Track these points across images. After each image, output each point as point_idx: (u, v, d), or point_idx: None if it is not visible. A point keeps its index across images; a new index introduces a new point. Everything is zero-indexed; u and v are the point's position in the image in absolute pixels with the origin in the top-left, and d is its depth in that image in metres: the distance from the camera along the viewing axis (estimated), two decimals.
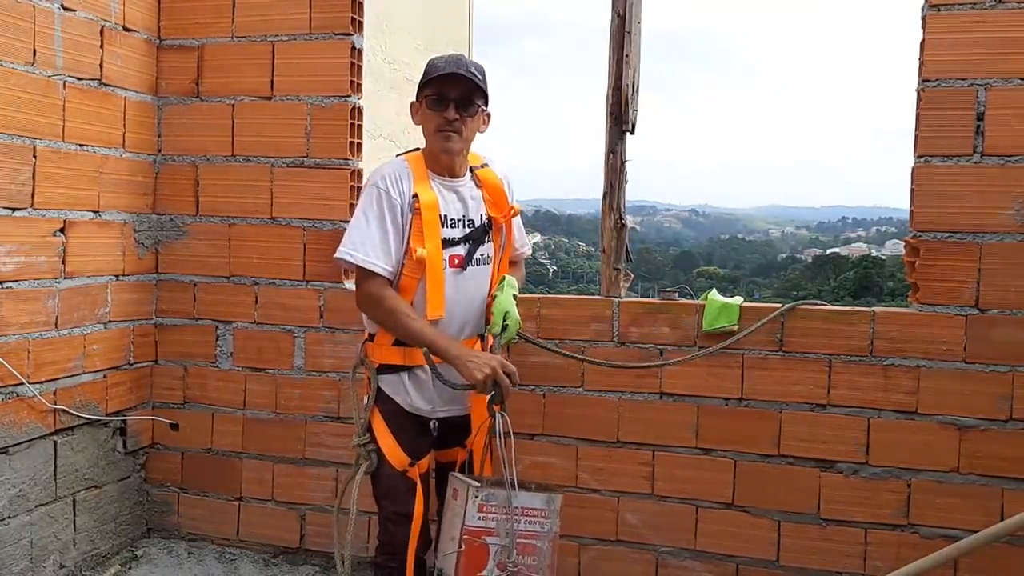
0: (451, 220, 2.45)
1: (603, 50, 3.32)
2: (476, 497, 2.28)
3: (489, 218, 2.53)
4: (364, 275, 2.41)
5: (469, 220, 2.49)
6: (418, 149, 2.55)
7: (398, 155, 2.55)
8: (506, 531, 2.28)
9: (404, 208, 2.39)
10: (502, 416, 2.35)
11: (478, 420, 2.49)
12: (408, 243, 2.38)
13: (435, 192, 2.44)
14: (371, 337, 2.50)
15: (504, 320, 2.45)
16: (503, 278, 2.58)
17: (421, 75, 2.47)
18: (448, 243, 2.42)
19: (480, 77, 2.42)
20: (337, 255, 2.41)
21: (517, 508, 2.30)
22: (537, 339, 2.99)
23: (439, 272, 2.39)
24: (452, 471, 2.59)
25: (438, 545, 2.44)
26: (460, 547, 2.29)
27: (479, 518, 2.29)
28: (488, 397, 2.36)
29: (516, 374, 2.33)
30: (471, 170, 2.56)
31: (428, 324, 2.37)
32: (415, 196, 2.39)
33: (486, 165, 2.61)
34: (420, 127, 2.52)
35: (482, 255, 2.51)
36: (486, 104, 2.49)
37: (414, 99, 2.52)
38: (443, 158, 2.45)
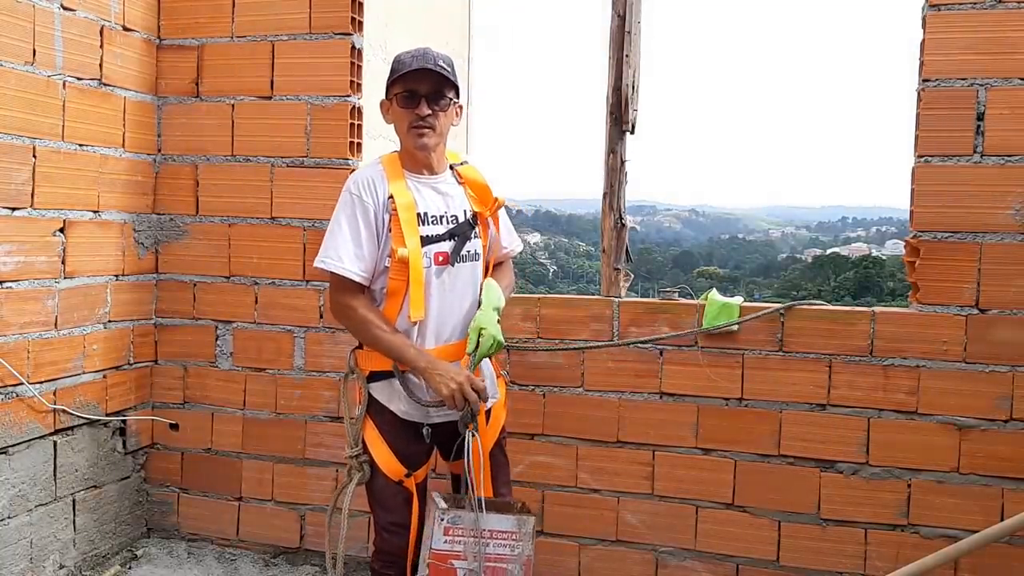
0: (432, 217, 2.39)
1: (603, 50, 3.32)
2: (442, 520, 2.24)
3: (474, 214, 2.47)
4: (336, 282, 2.37)
5: (452, 216, 2.43)
6: (396, 151, 2.50)
7: (377, 157, 2.51)
8: (474, 554, 2.23)
9: (379, 211, 2.34)
10: (472, 436, 2.29)
11: (483, 429, 2.44)
12: (390, 245, 2.33)
13: (412, 191, 2.39)
14: (360, 344, 2.44)
15: (479, 338, 2.37)
16: (485, 283, 2.49)
17: (389, 71, 2.41)
18: (430, 240, 2.37)
19: (449, 69, 2.37)
20: (315, 264, 2.38)
21: (486, 531, 2.24)
22: (519, 343, 2.94)
23: (419, 272, 2.32)
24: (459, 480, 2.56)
25: (418, 566, 2.39)
26: (426, 571, 2.24)
27: (445, 541, 2.24)
28: (459, 416, 2.30)
29: (485, 391, 2.30)
30: (451, 167, 2.51)
31: (398, 335, 2.32)
32: (391, 197, 2.35)
33: (466, 162, 2.56)
34: (393, 126, 2.47)
35: (469, 251, 2.44)
36: (457, 96, 2.44)
37: (383, 98, 2.46)
38: (419, 155, 2.40)
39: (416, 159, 2.42)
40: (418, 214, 2.37)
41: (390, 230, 2.34)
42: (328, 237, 2.37)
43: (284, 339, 3.46)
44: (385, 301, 2.37)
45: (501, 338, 2.40)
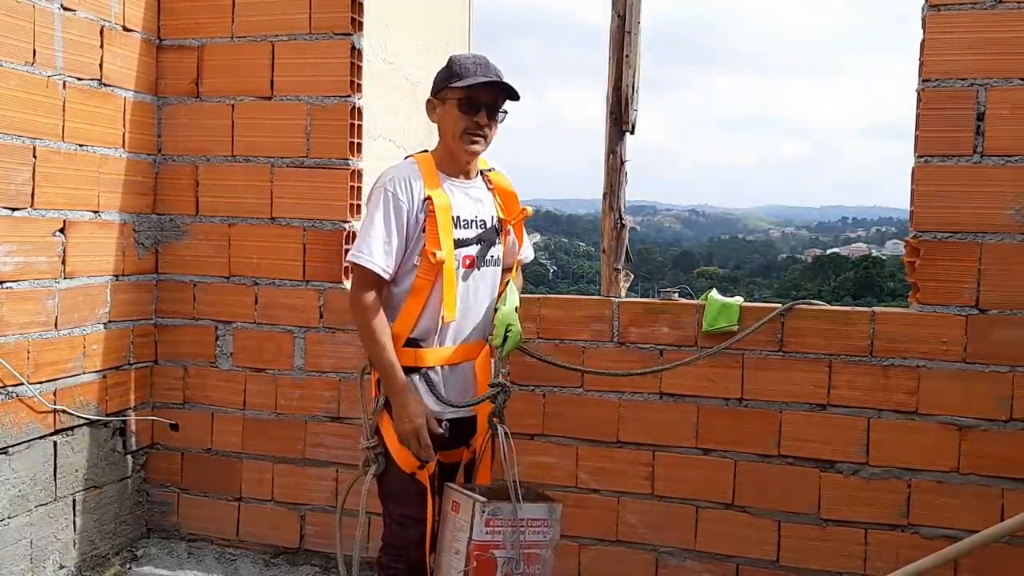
0: (464, 221, 2.46)
1: (603, 49, 3.33)
2: (483, 512, 2.30)
3: (500, 220, 2.54)
4: (360, 274, 2.41)
5: (481, 221, 2.50)
6: (427, 151, 2.55)
7: (407, 157, 2.55)
8: (512, 543, 2.31)
9: (414, 211, 2.39)
10: (504, 429, 2.40)
11: (484, 426, 2.51)
12: (423, 245, 2.38)
13: (447, 193, 2.44)
14: None
15: (506, 332, 2.47)
16: (508, 285, 2.59)
17: (445, 72, 2.45)
18: (460, 243, 2.43)
19: (510, 83, 2.42)
20: (346, 259, 2.48)
21: (522, 520, 2.33)
22: (537, 353, 2.95)
23: (452, 274, 2.40)
24: (455, 471, 2.59)
25: (438, 558, 2.44)
26: (471, 563, 2.30)
27: (486, 532, 2.30)
28: (489, 410, 2.43)
29: (430, 447, 2.37)
30: (482, 173, 2.57)
31: (394, 355, 2.38)
32: (428, 199, 2.40)
33: (494, 168, 2.62)
34: (437, 124, 2.50)
35: (492, 256, 2.52)
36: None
37: (431, 96, 2.49)
38: (462, 160, 2.47)
39: (456, 163, 2.48)
40: (452, 217, 2.42)
41: (424, 230, 2.39)
42: (361, 232, 2.44)
43: (284, 339, 3.46)
44: (408, 298, 2.42)
45: (521, 333, 2.53)
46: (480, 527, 2.30)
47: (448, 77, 2.44)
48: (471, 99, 2.40)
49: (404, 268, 2.43)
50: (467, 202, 2.48)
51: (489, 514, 2.30)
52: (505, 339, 2.46)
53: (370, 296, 2.39)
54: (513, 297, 2.57)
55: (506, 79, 2.42)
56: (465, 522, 2.33)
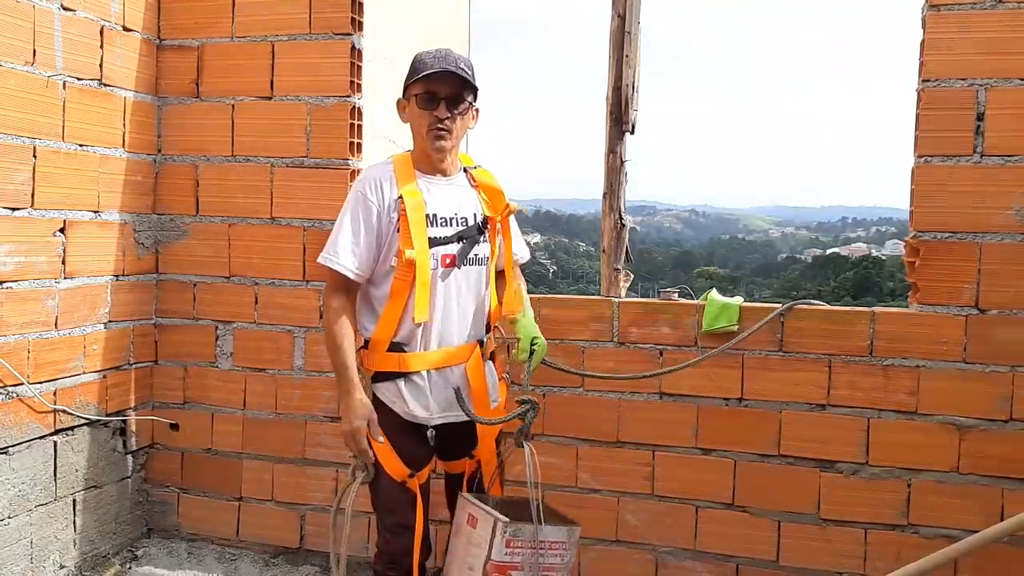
0: (441, 219, 2.40)
1: (603, 50, 3.33)
2: (505, 532, 2.25)
3: (485, 218, 2.48)
4: (331, 276, 2.40)
5: (462, 218, 2.44)
6: (409, 151, 2.51)
7: (389, 157, 2.52)
8: (530, 565, 2.27)
9: (386, 212, 2.35)
10: (530, 447, 2.38)
11: (484, 435, 2.47)
12: (396, 246, 2.34)
13: (422, 191, 2.39)
14: (365, 344, 2.44)
15: (532, 345, 2.43)
16: (518, 292, 2.53)
17: (409, 70, 2.41)
18: (437, 242, 2.37)
19: (470, 73, 2.37)
20: (317, 260, 2.43)
21: (543, 542, 2.29)
22: (560, 364, 2.96)
23: (425, 273, 2.34)
24: (459, 481, 2.55)
25: (447, 567, 2.41)
26: None
27: (506, 553, 2.26)
28: (517, 428, 2.40)
29: (367, 452, 2.35)
30: (465, 170, 2.52)
31: (353, 361, 2.37)
32: (400, 198, 2.35)
33: (480, 166, 2.56)
34: (409, 126, 2.47)
35: (476, 255, 2.45)
36: (475, 99, 2.44)
37: (400, 97, 2.46)
38: (434, 157, 2.41)
39: (430, 161, 2.43)
40: (427, 215, 2.37)
41: (398, 230, 2.35)
42: (332, 234, 2.41)
43: (284, 339, 3.46)
44: (388, 301, 2.37)
45: (546, 345, 2.49)
46: (500, 547, 2.25)
47: (410, 75, 2.40)
48: (429, 93, 2.35)
49: (382, 270, 2.38)
50: (445, 200, 2.42)
51: (511, 535, 2.25)
52: (531, 352, 2.42)
53: (337, 298, 2.38)
54: (528, 306, 2.52)
55: (467, 69, 2.36)
56: (483, 539, 2.28)
